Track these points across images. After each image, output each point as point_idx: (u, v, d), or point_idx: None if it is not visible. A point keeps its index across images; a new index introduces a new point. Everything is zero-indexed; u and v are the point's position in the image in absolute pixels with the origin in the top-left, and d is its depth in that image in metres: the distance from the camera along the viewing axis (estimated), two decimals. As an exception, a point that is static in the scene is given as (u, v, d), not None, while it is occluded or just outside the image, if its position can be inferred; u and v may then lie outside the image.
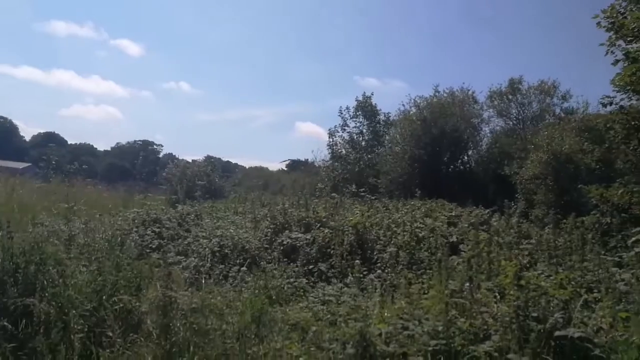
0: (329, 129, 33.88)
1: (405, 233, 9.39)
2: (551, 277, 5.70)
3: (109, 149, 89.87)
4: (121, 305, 5.18)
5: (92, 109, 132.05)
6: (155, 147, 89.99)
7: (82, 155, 63.56)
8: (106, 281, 5.41)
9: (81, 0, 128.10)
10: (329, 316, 5.15)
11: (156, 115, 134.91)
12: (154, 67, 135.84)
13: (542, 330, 3.78)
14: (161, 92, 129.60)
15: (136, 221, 11.82)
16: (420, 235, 9.40)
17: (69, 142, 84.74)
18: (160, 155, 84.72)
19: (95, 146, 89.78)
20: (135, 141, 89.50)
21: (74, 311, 4.92)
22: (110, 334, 4.79)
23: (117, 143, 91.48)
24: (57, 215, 10.74)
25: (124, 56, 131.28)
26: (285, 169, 58.40)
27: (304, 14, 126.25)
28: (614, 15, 10.06)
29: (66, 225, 8.68)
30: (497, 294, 4.90)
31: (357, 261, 8.13)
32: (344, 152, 33.11)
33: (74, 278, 5.36)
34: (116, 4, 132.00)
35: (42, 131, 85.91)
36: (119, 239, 7.18)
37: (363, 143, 33.27)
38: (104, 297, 5.22)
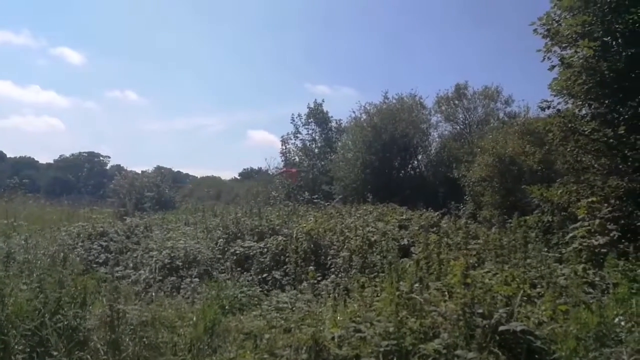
0: (282, 137, 33.99)
1: (357, 238, 9.49)
2: (497, 275, 5.92)
3: (52, 161, 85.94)
4: (65, 322, 4.98)
5: (32, 120, 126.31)
6: (101, 158, 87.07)
7: (23, 169, 60.97)
8: (48, 298, 5.18)
9: (15, 7, 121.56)
10: (282, 322, 5.14)
11: (101, 125, 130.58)
12: (97, 76, 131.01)
13: (487, 326, 3.92)
14: (106, 101, 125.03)
15: (81, 235, 11.43)
16: (373, 239, 9.52)
17: (9, 156, 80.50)
18: (108, 167, 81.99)
19: (36, 159, 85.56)
20: (80, 153, 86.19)
21: (14, 331, 4.69)
22: (55, 353, 4.60)
23: (61, 155, 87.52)
24: (-5, 232, 10.26)
25: (65, 65, 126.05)
26: (239, 177, 57.96)
27: (252, 21, 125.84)
28: (550, 22, 10.51)
29: (5, 242, 8.28)
30: (445, 293, 5.03)
31: (311, 267, 8.17)
32: (297, 159, 33.21)
33: (12, 297, 5.11)
34: (54, 11, 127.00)
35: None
36: (62, 254, 6.89)
37: (316, 150, 33.48)
38: (46, 315, 5.00)
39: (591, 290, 5.66)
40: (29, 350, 4.65)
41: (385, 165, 25.85)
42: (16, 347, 4.60)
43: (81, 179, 72.87)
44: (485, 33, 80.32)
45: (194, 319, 5.69)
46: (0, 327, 4.68)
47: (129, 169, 31.77)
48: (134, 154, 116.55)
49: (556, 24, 10.44)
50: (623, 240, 7.96)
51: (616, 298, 5.18)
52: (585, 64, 9.76)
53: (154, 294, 7.45)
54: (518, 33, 67.39)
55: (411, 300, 4.71)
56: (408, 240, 9.85)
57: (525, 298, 5.15)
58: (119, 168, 44.52)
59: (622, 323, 4.53)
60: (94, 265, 9.34)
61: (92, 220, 13.17)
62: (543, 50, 10.65)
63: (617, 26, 9.60)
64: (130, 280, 8.21)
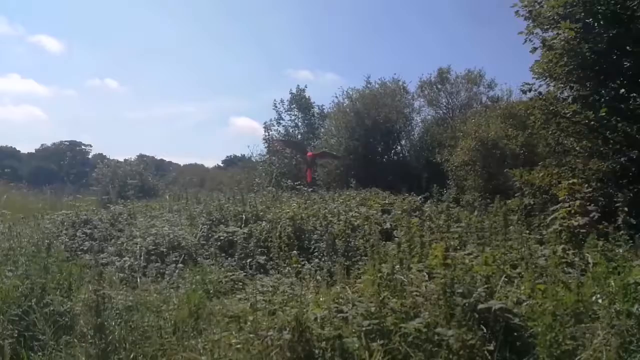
0: (265, 123, 33.75)
1: (340, 222, 9.57)
2: (478, 257, 6.02)
3: (34, 151, 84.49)
4: (51, 308, 5.03)
5: (12, 109, 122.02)
6: (83, 147, 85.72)
7: (4, 159, 60.02)
8: (34, 284, 5.22)
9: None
10: (266, 305, 5.20)
11: (83, 114, 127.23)
12: (77, 64, 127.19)
13: (466, 304, 4.01)
14: (86, 90, 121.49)
15: (65, 223, 11.38)
16: (355, 223, 9.61)
17: (-11, 146, 78.83)
18: (90, 156, 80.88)
19: (18, 149, 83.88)
20: (61, 142, 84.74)
21: (1, 316, 4.77)
22: (42, 337, 4.66)
23: (42, 145, 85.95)
24: (-24, 221, 10.15)
25: (44, 53, 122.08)
26: (222, 165, 57.79)
27: (232, 6, 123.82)
28: (531, 4, 10.58)
29: (-12, 231, 8.23)
30: (426, 275, 5.13)
31: (295, 252, 8.25)
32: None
33: (-1, 283, 5.15)
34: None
35: (-43, 135, 79.86)
36: (46, 241, 6.88)
37: (299, 136, 33.36)
38: (33, 301, 5.04)
39: (570, 270, 5.78)
40: (16, 335, 4.69)
41: (369, 150, 25.94)
42: (4, 332, 4.64)
43: (63, 168, 71.79)
44: (469, 18, 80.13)
45: (178, 302, 5.74)
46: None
47: (111, 158, 31.48)
48: (116, 142, 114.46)
49: (538, 6, 10.49)
50: (603, 221, 8.12)
51: (594, 277, 5.31)
52: (566, 45, 9.84)
53: (138, 279, 7.46)
54: (501, 17, 67.25)
55: (392, 282, 4.79)
56: (391, 224, 9.95)
57: (506, 279, 5.27)
58: (101, 157, 44.14)
59: (600, 301, 4.66)
60: (78, 253, 9.30)
61: (76, 208, 13.06)
62: (525, 32, 10.72)
63: (598, 7, 9.66)
64: (115, 266, 8.20)
